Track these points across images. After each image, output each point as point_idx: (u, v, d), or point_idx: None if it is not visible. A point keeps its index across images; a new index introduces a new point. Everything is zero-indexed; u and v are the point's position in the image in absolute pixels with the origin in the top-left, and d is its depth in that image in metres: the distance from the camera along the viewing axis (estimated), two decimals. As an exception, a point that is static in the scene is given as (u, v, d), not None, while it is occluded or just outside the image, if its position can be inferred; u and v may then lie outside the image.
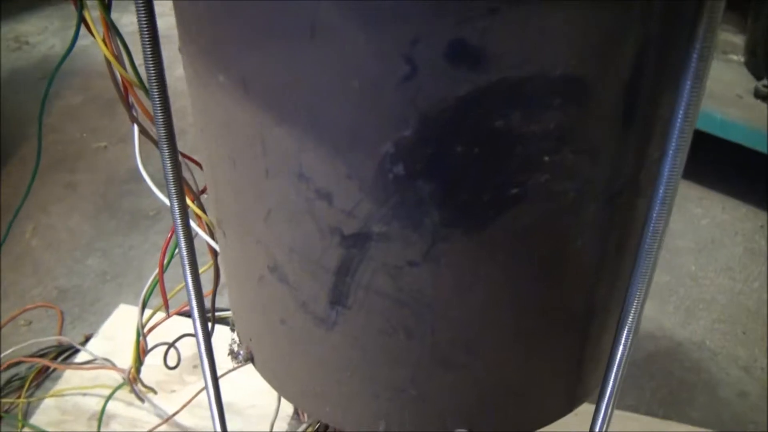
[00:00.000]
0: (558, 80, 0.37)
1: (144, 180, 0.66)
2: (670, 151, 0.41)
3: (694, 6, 0.37)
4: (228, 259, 0.58)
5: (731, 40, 1.86)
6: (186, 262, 0.58)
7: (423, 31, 0.36)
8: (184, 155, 0.62)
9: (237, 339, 0.62)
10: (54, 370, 1.22)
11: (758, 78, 1.71)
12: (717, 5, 0.37)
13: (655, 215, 0.43)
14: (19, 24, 2.54)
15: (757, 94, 1.67)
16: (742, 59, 1.79)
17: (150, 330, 0.89)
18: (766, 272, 1.52)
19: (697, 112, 0.40)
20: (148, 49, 0.47)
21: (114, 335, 1.24)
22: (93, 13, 0.57)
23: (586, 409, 0.56)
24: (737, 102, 1.65)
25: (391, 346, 0.48)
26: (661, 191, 0.42)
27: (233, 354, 0.61)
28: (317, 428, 0.68)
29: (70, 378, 1.16)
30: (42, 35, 2.47)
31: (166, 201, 0.58)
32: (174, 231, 0.59)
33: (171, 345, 0.91)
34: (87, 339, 1.26)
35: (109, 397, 1.04)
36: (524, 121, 0.38)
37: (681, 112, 0.39)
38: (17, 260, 1.50)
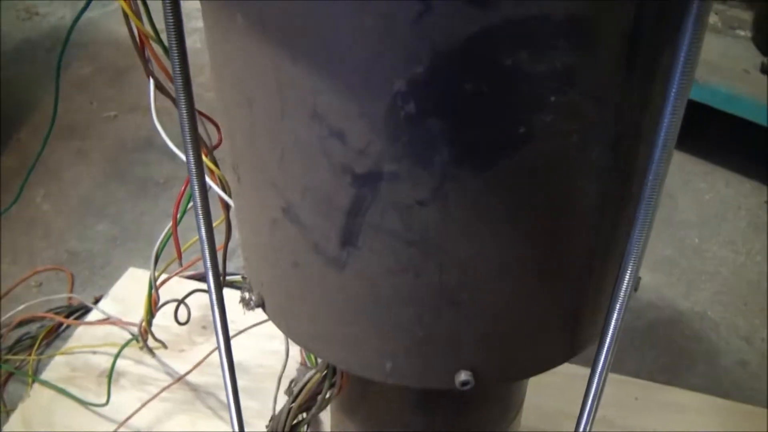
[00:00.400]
0: (563, 21, 0.38)
1: (159, 134, 0.68)
2: (672, 95, 0.42)
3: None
4: (242, 206, 0.59)
5: (739, 15, 1.86)
6: (200, 212, 0.60)
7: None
8: (198, 112, 0.64)
9: (248, 286, 0.63)
10: (66, 328, 1.25)
11: (765, 53, 1.72)
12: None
13: (656, 158, 0.44)
14: (29, -5, 2.55)
15: (764, 70, 1.67)
16: (750, 35, 1.79)
17: (162, 283, 0.90)
18: (768, 246, 1.54)
19: (698, 57, 0.41)
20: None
21: (123, 297, 1.26)
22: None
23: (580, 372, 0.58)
24: (744, 77, 1.66)
25: (399, 286, 0.49)
26: (662, 136, 0.44)
27: (245, 301, 0.63)
28: (324, 374, 0.70)
29: (80, 336, 1.18)
30: (51, 6, 2.47)
31: (182, 155, 0.59)
32: (188, 182, 0.60)
33: (181, 301, 0.93)
34: (96, 301, 1.28)
35: (118, 353, 1.06)
36: (531, 60, 0.39)
37: (682, 55, 0.40)
38: (28, 224, 1.52)
